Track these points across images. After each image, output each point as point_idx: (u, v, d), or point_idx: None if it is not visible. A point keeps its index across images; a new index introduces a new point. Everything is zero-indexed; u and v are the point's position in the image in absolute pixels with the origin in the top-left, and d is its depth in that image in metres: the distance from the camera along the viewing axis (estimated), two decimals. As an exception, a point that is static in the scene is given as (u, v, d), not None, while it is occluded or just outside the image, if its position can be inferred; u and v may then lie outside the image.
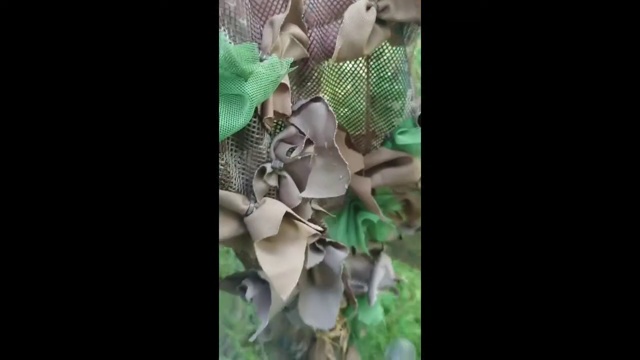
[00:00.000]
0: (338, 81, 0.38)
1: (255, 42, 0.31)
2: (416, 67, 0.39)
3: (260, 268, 0.41)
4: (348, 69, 0.37)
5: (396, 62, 0.37)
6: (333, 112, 0.33)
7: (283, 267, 0.33)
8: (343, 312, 0.47)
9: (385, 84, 0.38)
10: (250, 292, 0.39)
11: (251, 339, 0.38)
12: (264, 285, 0.39)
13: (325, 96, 0.37)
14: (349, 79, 0.37)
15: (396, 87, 0.38)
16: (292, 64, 0.32)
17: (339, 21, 0.34)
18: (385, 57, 0.37)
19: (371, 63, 0.37)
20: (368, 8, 0.31)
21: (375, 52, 0.36)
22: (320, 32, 0.34)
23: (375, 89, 0.38)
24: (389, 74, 0.37)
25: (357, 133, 0.41)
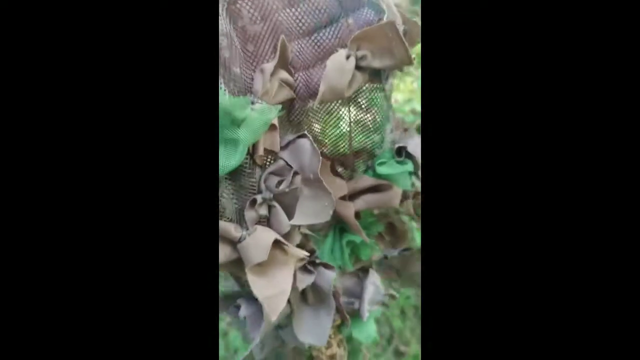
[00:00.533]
0: (321, 118, 0.41)
1: (247, 87, 0.35)
2: (393, 103, 0.43)
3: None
4: (330, 108, 0.40)
5: (374, 100, 0.41)
6: (317, 148, 0.36)
7: (272, 290, 0.37)
8: (338, 329, 0.50)
9: (366, 119, 0.42)
10: (243, 311, 0.42)
11: (242, 357, 0.41)
12: (257, 304, 0.43)
13: (311, 132, 0.41)
14: (332, 116, 0.41)
15: (375, 121, 0.42)
16: (281, 104, 0.35)
17: (323, 65, 0.37)
18: (364, 97, 0.40)
19: (351, 103, 0.41)
20: (348, 57, 0.35)
21: (355, 92, 0.40)
22: (305, 75, 0.38)
23: (355, 125, 0.42)
24: (368, 111, 0.41)
25: (342, 153, 0.44)
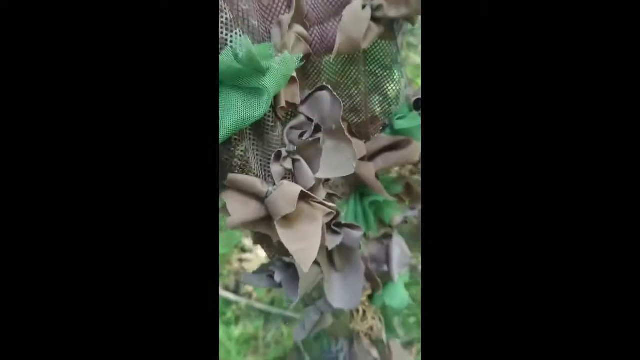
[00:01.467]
0: (337, 72, 0.42)
1: (265, 40, 0.35)
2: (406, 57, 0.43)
3: (284, 255, 0.44)
4: (346, 60, 0.41)
5: (389, 53, 0.41)
6: (337, 97, 0.36)
7: (303, 243, 0.36)
8: (370, 299, 0.49)
9: (380, 73, 0.42)
10: (278, 276, 0.42)
11: (290, 308, 0.40)
12: (289, 268, 0.42)
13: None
14: (348, 70, 0.41)
15: (391, 76, 0.42)
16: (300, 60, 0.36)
17: (337, 19, 0.38)
18: (379, 50, 0.41)
19: (367, 55, 0.41)
20: (364, 7, 0.36)
21: (370, 46, 0.40)
22: (320, 30, 0.39)
23: (372, 79, 0.42)
24: (384, 64, 0.41)
25: (358, 121, 0.45)
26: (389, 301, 0.49)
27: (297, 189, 0.36)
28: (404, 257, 0.49)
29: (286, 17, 0.35)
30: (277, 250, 0.45)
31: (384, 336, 0.52)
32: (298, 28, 0.37)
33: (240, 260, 1.15)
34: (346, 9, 0.36)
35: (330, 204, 0.37)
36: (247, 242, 1.18)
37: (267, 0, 0.36)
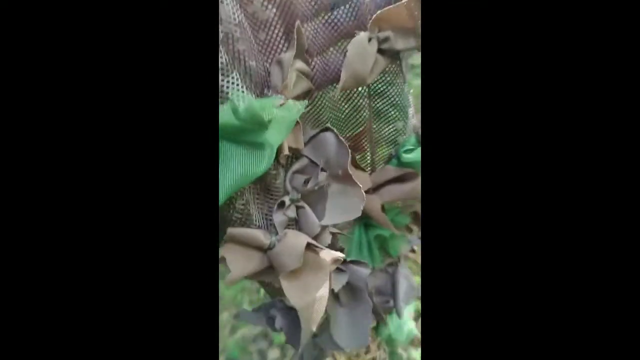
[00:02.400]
0: (340, 108, 0.39)
1: (264, 81, 0.32)
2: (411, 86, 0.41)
3: (285, 296, 0.41)
4: (349, 95, 0.38)
5: (396, 84, 0.38)
6: (343, 141, 0.34)
7: (310, 297, 0.34)
8: (375, 330, 0.47)
9: (387, 105, 0.39)
10: (279, 322, 0.39)
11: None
12: (291, 312, 0.40)
13: (329, 122, 0.38)
14: (350, 103, 0.38)
15: (398, 106, 0.39)
16: (299, 97, 0.33)
17: (338, 45, 0.35)
18: (384, 82, 0.38)
19: (372, 87, 0.38)
20: (370, 40, 0.33)
21: (376, 79, 0.37)
22: (322, 61, 0.35)
23: (379, 106, 0.39)
24: (390, 97, 0.38)
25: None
26: (395, 334, 0.47)
27: (302, 241, 0.33)
28: (410, 290, 0.47)
29: (287, 56, 0.32)
30: (278, 292, 0.42)
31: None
32: (299, 64, 0.33)
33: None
34: (351, 42, 0.33)
35: (338, 254, 0.35)
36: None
37: (264, 35, 0.32)
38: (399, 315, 0.45)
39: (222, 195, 0.28)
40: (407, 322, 0.48)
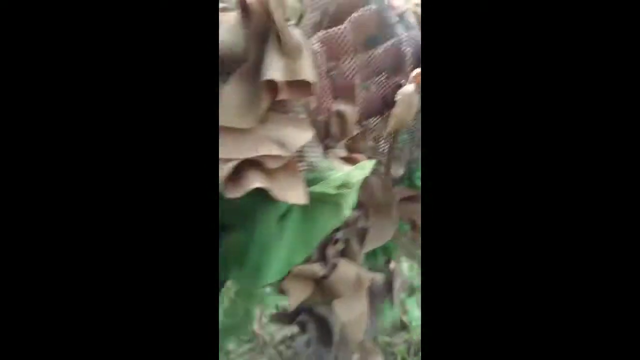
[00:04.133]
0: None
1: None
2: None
3: (313, 304, 0.47)
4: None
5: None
6: (389, 185, 0.39)
7: (354, 313, 0.41)
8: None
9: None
10: (310, 327, 0.45)
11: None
12: (320, 319, 0.46)
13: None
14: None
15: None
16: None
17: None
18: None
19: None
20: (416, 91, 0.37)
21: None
22: (367, 96, 0.40)
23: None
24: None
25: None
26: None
27: (352, 272, 0.39)
28: (404, 283, 0.56)
29: (348, 109, 0.35)
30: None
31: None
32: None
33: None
34: (400, 93, 0.38)
35: (373, 274, 0.42)
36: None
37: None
38: (392, 304, 0.54)
39: (307, 250, 0.32)
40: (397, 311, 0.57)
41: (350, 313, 0.41)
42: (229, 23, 0.28)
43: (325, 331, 0.47)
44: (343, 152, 0.37)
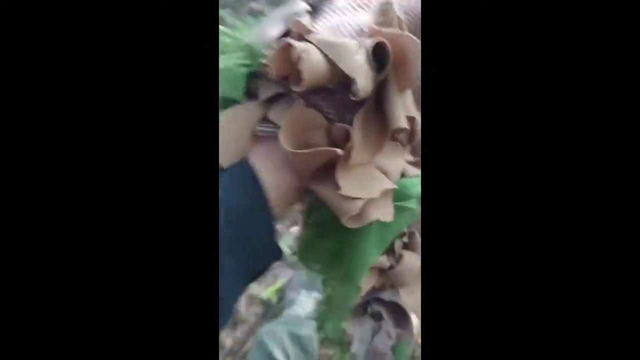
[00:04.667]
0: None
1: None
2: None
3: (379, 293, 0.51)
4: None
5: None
6: None
7: (419, 300, 0.45)
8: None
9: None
10: (386, 314, 0.49)
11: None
12: (393, 305, 0.50)
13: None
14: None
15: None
16: None
17: None
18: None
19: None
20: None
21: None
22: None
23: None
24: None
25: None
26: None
27: (417, 262, 0.43)
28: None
29: None
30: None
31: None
32: None
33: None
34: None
35: None
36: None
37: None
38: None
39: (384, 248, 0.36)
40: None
41: (415, 300, 0.45)
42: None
43: (401, 313, 0.51)
44: (411, 157, 0.39)
